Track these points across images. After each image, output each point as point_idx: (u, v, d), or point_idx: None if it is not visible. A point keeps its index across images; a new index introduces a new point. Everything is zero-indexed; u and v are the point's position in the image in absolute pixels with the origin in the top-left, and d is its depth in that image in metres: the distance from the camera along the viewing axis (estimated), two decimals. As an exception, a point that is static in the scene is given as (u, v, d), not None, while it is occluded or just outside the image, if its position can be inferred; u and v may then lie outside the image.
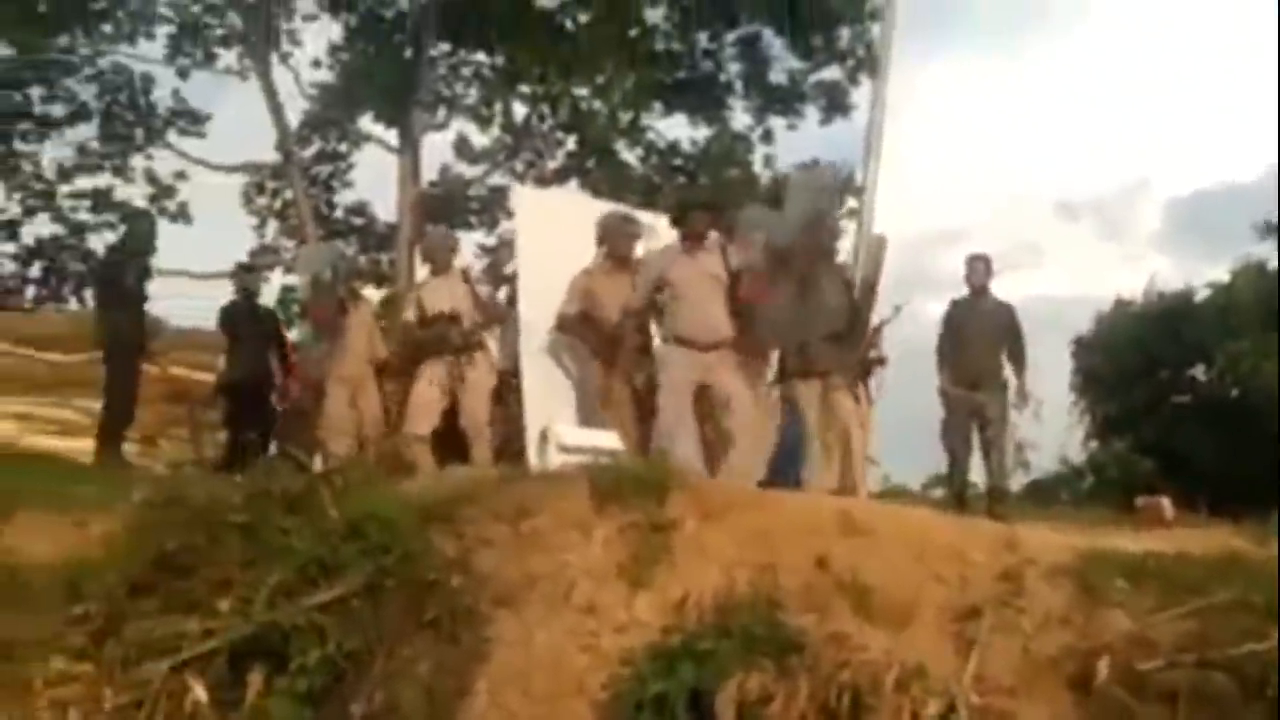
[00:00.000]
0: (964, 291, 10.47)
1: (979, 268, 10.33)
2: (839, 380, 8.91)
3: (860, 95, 19.99)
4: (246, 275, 12.16)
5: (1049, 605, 5.00)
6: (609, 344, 8.98)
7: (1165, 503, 9.87)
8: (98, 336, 10.57)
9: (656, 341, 8.99)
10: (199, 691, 5.61)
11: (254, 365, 11.07)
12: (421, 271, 11.05)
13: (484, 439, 9.38)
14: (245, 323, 11.34)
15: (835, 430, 8.81)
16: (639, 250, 9.24)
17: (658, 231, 9.45)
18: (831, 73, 20.60)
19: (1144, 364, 16.72)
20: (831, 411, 8.81)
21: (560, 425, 8.34)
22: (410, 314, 9.83)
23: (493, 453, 9.38)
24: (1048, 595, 5.04)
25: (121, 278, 10.36)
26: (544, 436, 8.40)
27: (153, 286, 10.87)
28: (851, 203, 18.86)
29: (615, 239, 9.17)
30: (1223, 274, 17.40)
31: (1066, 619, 4.93)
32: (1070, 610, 4.95)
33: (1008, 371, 10.29)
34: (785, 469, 8.96)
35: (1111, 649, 4.69)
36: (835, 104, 20.66)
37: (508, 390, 10.03)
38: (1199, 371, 17.14)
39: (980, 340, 10.10)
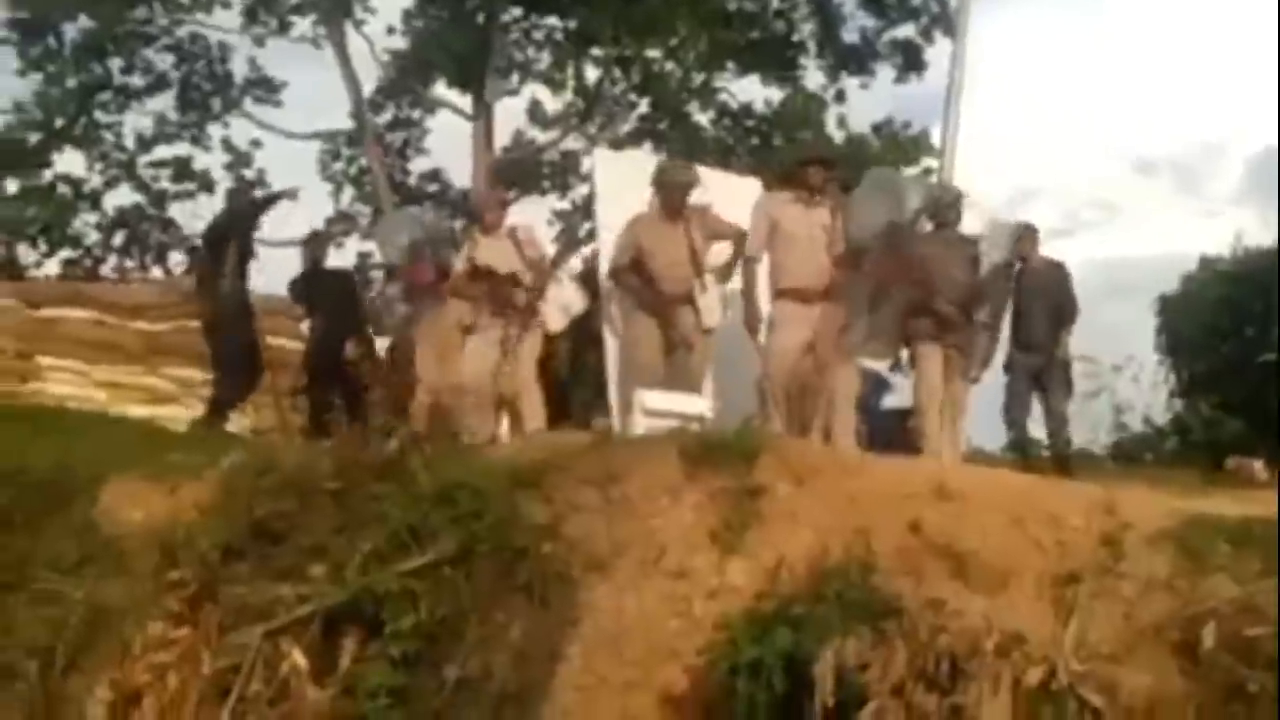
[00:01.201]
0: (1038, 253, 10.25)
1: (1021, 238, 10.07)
2: (959, 354, 8.95)
3: (934, 53, 19.80)
4: (312, 242, 12.12)
5: (1150, 570, 4.91)
6: (657, 297, 8.88)
7: (1258, 464, 9.71)
8: (203, 309, 10.68)
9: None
10: (297, 657, 5.68)
11: (330, 332, 11.09)
12: None
13: (533, 399, 9.31)
14: (317, 291, 11.36)
15: (949, 398, 8.84)
16: (693, 200, 9.09)
17: (709, 184, 9.36)
18: (905, 30, 20.39)
19: (1230, 323, 16.42)
20: (949, 380, 8.85)
21: (644, 390, 8.29)
22: (459, 266, 9.70)
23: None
24: (1149, 560, 4.95)
25: (225, 248, 10.44)
26: (628, 402, 8.38)
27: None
28: (929, 162, 18.83)
29: (669, 188, 8.99)
30: (1307, 228, 17.10)
31: (1169, 585, 4.84)
32: (1173, 576, 4.86)
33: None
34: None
35: (1217, 615, 4.61)
36: (909, 62, 20.43)
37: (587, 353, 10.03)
38: (1286, 329, 16.80)
39: (1034, 306, 9.94)
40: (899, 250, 8.61)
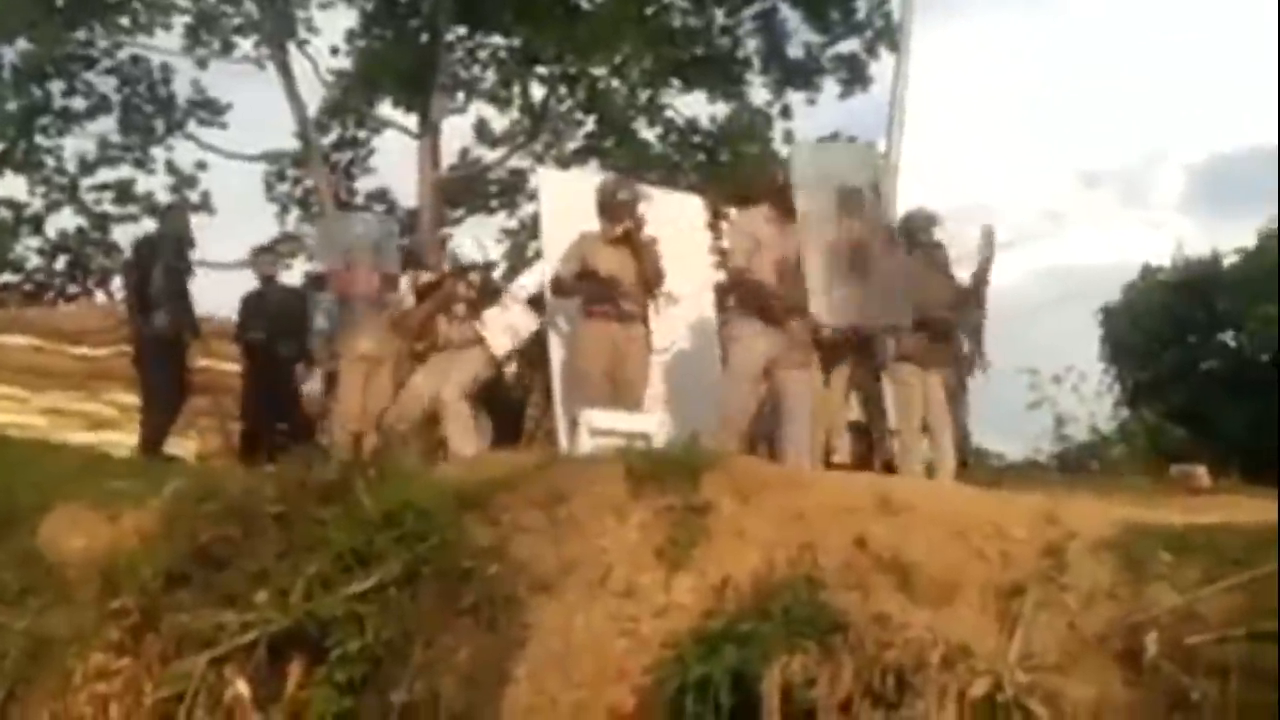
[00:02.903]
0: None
1: None
2: (940, 370, 9.11)
3: (879, 68, 19.92)
4: (260, 258, 11.82)
5: (1093, 580, 4.93)
6: (610, 307, 8.78)
7: (1200, 471, 9.79)
8: (131, 334, 10.50)
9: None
10: (240, 686, 5.63)
11: (269, 353, 10.76)
12: None
13: (461, 423, 9.12)
14: (257, 310, 11.08)
15: (932, 414, 8.93)
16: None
17: (653, 199, 9.35)
18: (850, 45, 20.50)
19: (1173, 331, 16.62)
20: (930, 397, 8.98)
21: (590, 409, 8.26)
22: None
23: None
24: (1092, 570, 4.97)
25: (150, 274, 10.23)
26: (574, 421, 8.35)
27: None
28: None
29: (614, 206, 8.95)
30: (1248, 238, 17.32)
31: (1112, 594, 4.86)
32: (1115, 585, 4.88)
33: None
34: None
35: (1159, 624, 4.63)
36: (854, 77, 20.55)
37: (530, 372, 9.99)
38: (1228, 337, 17.02)
39: None
40: (861, 214, 8.50)
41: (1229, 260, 17.14)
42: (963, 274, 9.68)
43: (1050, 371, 12.26)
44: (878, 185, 8.90)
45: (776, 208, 8.49)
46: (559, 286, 9.04)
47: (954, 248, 9.77)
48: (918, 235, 9.52)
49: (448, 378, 9.19)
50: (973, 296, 9.63)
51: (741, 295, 8.47)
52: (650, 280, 8.83)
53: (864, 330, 9.04)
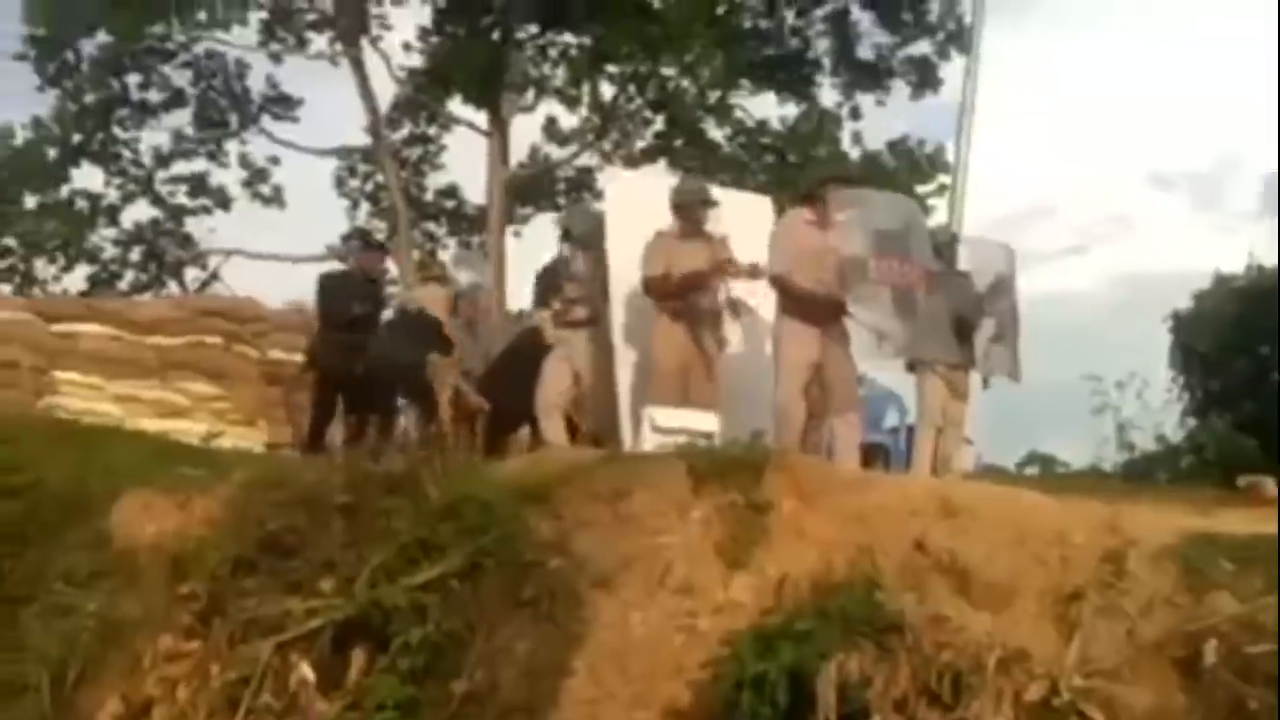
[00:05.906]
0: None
1: None
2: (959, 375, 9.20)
3: (949, 70, 19.82)
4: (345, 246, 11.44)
5: (1153, 588, 4.93)
6: (693, 307, 8.89)
7: (1269, 481, 9.68)
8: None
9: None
10: (305, 670, 5.71)
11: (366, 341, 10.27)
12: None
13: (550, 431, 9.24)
14: (346, 295, 10.54)
15: (950, 418, 8.96)
16: (710, 226, 9.13)
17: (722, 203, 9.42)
18: (920, 47, 20.41)
19: (1244, 340, 16.38)
20: (950, 396, 9.00)
21: (654, 406, 8.32)
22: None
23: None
24: (1152, 578, 4.97)
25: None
26: (638, 418, 8.41)
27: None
28: (944, 179, 18.84)
29: (688, 209, 9.05)
30: (1322, 245, 17.09)
31: (1171, 602, 4.86)
32: (1175, 593, 4.88)
33: None
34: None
35: (1218, 632, 4.62)
36: (924, 79, 20.44)
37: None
38: (1301, 347, 16.74)
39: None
40: (899, 255, 8.68)
41: (1302, 267, 16.85)
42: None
43: (1116, 378, 12.13)
44: (918, 230, 9.07)
45: (815, 211, 8.61)
46: (656, 288, 8.98)
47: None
48: (941, 252, 9.56)
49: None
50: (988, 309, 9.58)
51: (785, 299, 8.55)
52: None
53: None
